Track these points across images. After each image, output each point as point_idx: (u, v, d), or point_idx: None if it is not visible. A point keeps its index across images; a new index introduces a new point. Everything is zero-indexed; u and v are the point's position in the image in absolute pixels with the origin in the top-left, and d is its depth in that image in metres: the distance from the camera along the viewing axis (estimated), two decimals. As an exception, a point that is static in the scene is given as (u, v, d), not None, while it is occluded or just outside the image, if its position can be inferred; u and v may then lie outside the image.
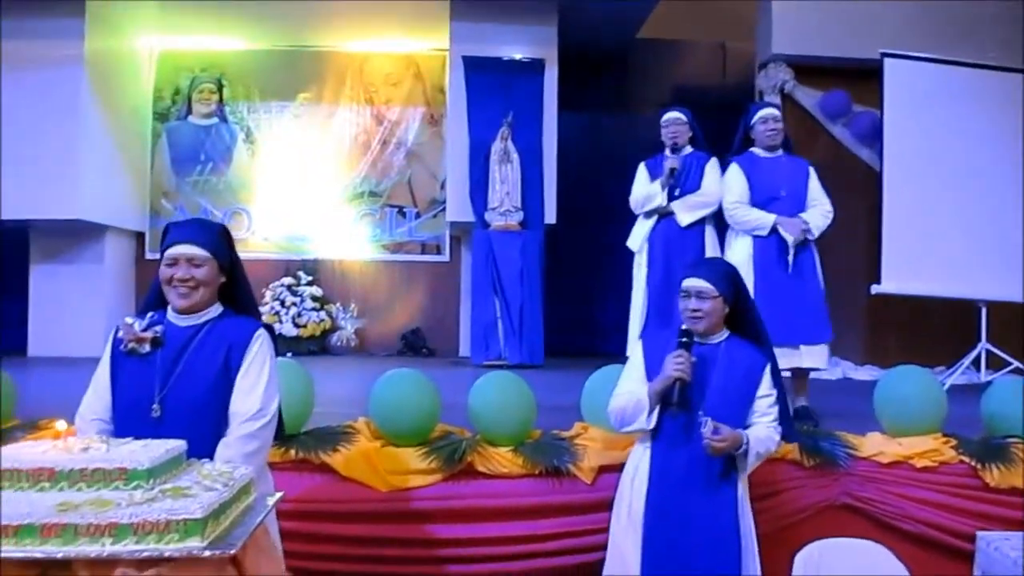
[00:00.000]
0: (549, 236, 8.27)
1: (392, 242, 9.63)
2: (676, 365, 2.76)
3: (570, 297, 9.22)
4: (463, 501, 3.37)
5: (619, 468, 3.11)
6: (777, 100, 8.23)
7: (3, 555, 1.61)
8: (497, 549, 3.35)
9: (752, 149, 4.59)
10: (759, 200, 4.47)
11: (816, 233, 4.43)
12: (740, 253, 4.47)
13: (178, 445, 2.00)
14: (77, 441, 1.90)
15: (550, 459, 3.41)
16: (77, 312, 8.35)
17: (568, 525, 3.35)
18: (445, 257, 9.58)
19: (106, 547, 1.64)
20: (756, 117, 4.58)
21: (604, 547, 3.00)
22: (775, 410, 2.88)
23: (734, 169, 4.57)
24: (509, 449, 3.47)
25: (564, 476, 3.39)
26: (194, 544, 1.66)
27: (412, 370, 3.68)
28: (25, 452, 1.85)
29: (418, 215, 9.65)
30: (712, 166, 4.75)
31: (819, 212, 4.47)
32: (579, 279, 9.47)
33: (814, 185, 4.53)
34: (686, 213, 4.68)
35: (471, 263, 8.37)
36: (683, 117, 4.78)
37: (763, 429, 2.83)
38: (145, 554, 1.64)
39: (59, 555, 1.62)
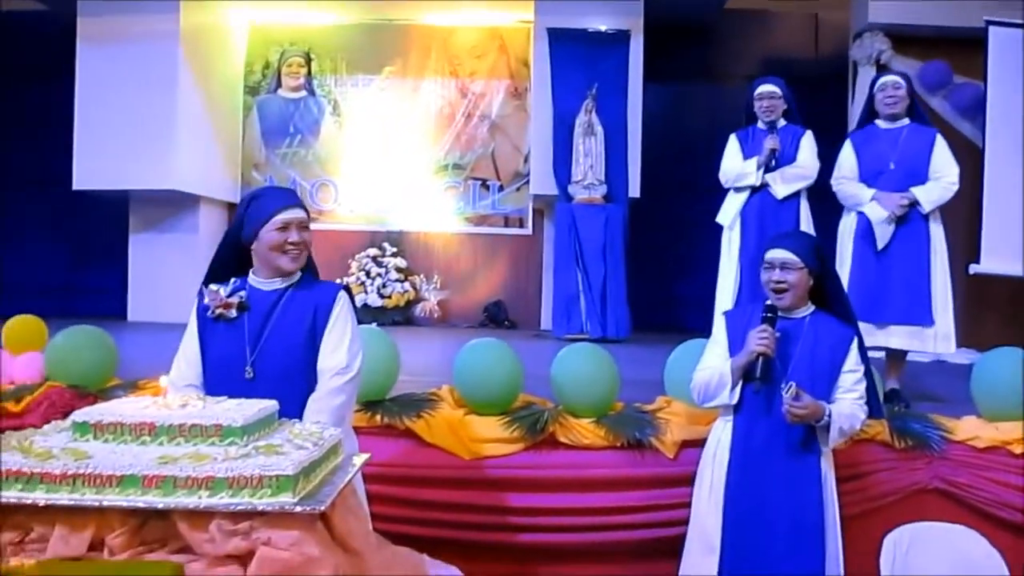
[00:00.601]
0: (633, 210, 8.17)
1: (475, 215, 9.67)
2: (760, 339, 2.72)
3: (653, 272, 9.12)
4: (544, 471, 3.40)
5: (702, 443, 3.08)
6: (872, 72, 7.92)
7: (108, 503, 1.69)
8: (577, 520, 3.37)
9: (876, 121, 4.43)
10: (866, 175, 4.33)
11: (928, 207, 4.22)
12: (845, 227, 4.39)
13: (270, 405, 2.06)
14: (176, 398, 1.97)
15: (632, 432, 3.40)
16: (173, 280, 8.62)
17: (649, 499, 3.35)
18: (528, 230, 9.57)
19: (203, 499, 1.70)
20: (876, 85, 4.42)
21: (685, 522, 2.98)
22: (861, 387, 2.81)
23: (846, 146, 4.45)
24: (591, 421, 3.47)
25: (646, 449, 3.38)
26: (286, 500, 1.71)
27: (496, 340, 3.71)
28: (127, 408, 1.93)
29: (501, 188, 9.66)
30: (808, 140, 4.60)
31: (939, 184, 4.25)
32: (663, 254, 9.34)
33: (939, 155, 4.29)
34: (783, 186, 4.52)
35: (554, 236, 8.33)
36: (778, 91, 4.61)
37: (848, 405, 2.76)
38: (239, 507, 1.70)
39: (159, 505, 1.69)
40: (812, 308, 2.87)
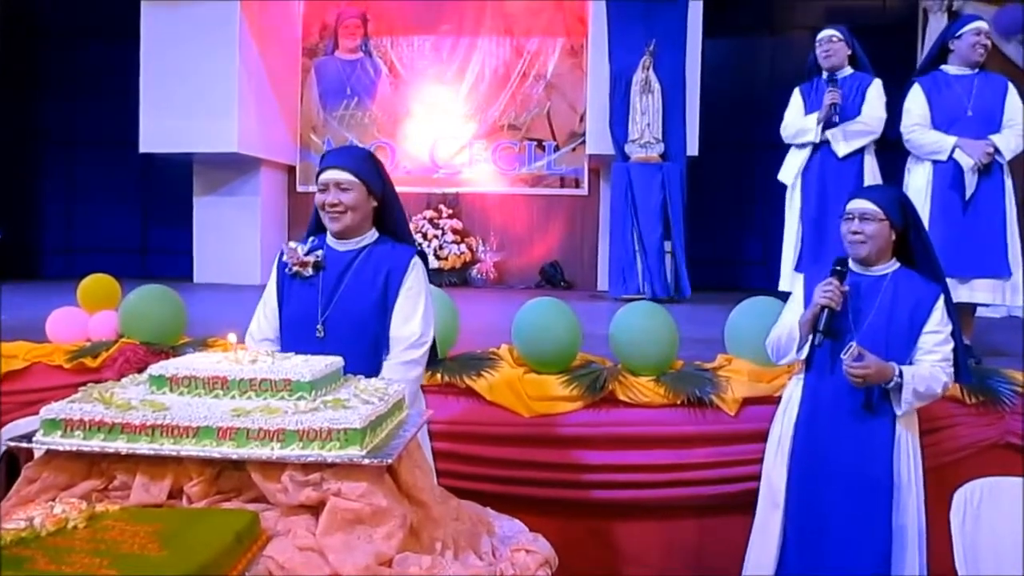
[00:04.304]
0: (691, 168, 8.04)
1: (531, 175, 9.64)
2: (823, 293, 2.68)
3: (711, 231, 9.02)
4: (604, 428, 3.42)
5: (765, 400, 3.07)
6: (943, 19, 7.63)
7: (185, 453, 1.74)
8: (638, 476, 3.39)
9: (944, 67, 4.24)
10: (941, 122, 4.15)
11: (1008, 156, 4.07)
12: (919, 180, 4.21)
13: (336, 361, 2.10)
14: (246, 354, 2.02)
15: (692, 389, 3.39)
16: (236, 241, 8.83)
17: (710, 456, 3.35)
18: (584, 191, 9.52)
19: (275, 451, 1.75)
20: (968, 28, 4.18)
21: (750, 479, 2.99)
22: (945, 349, 2.70)
23: (915, 90, 4.25)
24: (650, 379, 3.47)
25: (707, 407, 3.37)
26: (354, 452, 1.75)
27: (554, 299, 3.72)
28: (201, 362, 1.98)
29: (557, 148, 9.60)
30: (875, 90, 4.43)
31: (1015, 133, 4.09)
32: (721, 212, 9.23)
33: (1012, 104, 4.13)
34: (844, 144, 4.38)
35: (610, 196, 8.27)
36: (837, 35, 4.44)
37: (927, 368, 2.66)
38: (309, 459, 1.74)
39: (234, 456, 1.75)
40: (896, 265, 2.78)
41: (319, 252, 2.56)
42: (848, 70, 4.50)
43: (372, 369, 2.44)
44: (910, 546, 2.70)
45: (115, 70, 8.98)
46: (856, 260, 2.78)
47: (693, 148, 8.11)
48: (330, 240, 2.60)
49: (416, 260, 2.59)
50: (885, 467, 2.69)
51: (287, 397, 1.88)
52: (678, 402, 3.40)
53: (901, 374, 2.62)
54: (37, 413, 1.83)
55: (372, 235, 2.61)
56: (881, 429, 2.70)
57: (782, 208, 4.72)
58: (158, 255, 9.88)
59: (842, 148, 4.40)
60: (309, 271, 2.54)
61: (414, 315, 2.53)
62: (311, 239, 2.60)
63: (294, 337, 2.51)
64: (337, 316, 2.51)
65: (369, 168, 2.57)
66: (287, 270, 2.57)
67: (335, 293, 2.53)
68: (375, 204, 2.59)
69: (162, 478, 1.78)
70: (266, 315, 2.62)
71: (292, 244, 2.58)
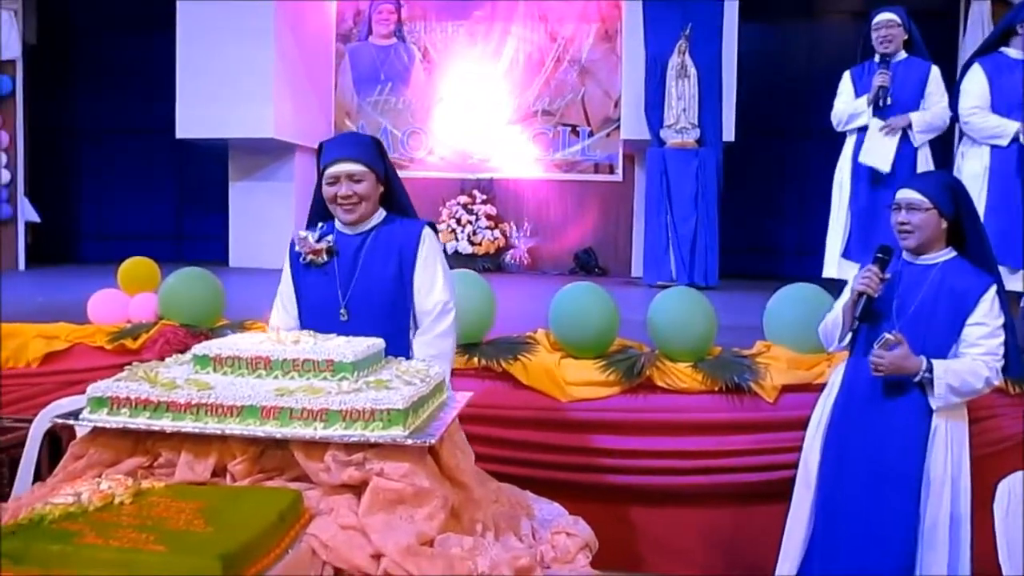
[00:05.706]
0: (727, 154, 7.94)
1: (565, 161, 9.58)
2: (861, 280, 2.63)
3: (747, 218, 8.91)
4: (641, 414, 3.40)
5: (804, 388, 3.03)
6: (986, 2, 7.46)
7: (229, 432, 1.76)
8: (674, 463, 3.37)
9: (1004, 49, 4.11)
10: (1000, 106, 4.04)
11: None
12: (975, 165, 4.09)
13: (377, 342, 2.11)
14: (288, 335, 2.03)
15: (731, 376, 3.35)
16: (271, 226, 8.84)
17: (749, 443, 3.32)
18: (618, 177, 9.43)
19: (318, 431, 1.76)
20: None
21: (788, 467, 2.95)
22: (991, 343, 2.57)
23: (976, 71, 4.13)
24: (688, 365, 3.44)
25: (745, 394, 3.34)
26: (397, 432, 1.75)
27: (591, 284, 3.70)
28: (244, 342, 2.00)
29: (591, 134, 9.53)
30: (937, 81, 4.30)
31: None
32: (757, 199, 9.12)
33: None
34: (919, 135, 4.26)
35: (645, 182, 8.19)
36: (896, 18, 4.31)
37: (967, 362, 2.56)
38: (352, 439, 1.75)
39: (278, 435, 1.75)
40: (950, 254, 2.68)
41: (330, 238, 2.58)
42: (903, 54, 4.36)
43: (398, 347, 2.45)
44: (941, 545, 2.60)
45: (149, 60, 9.04)
46: (906, 250, 2.72)
47: (729, 134, 8.00)
48: (339, 225, 2.62)
49: (427, 231, 2.62)
50: (915, 460, 2.60)
51: (330, 377, 1.89)
52: (716, 389, 3.37)
53: (931, 368, 2.54)
54: (79, 393, 1.85)
55: (380, 215, 2.64)
56: (914, 420, 2.61)
57: (818, 195, 4.64)
58: (193, 240, 9.98)
59: (918, 139, 4.30)
60: (323, 257, 2.57)
61: (435, 285, 2.57)
62: (320, 226, 2.61)
63: (317, 324, 2.48)
64: (359, 298, 2.54)
65: (375, 155, 2.61)
66: (301, 259, 2.59)
67: (352, 276, 2.55)
68: (382, 188, 2.63)
69: (206, 456, 1.79)
70: (284, 306, 2.66)
71: (302, 233, 2.59)
